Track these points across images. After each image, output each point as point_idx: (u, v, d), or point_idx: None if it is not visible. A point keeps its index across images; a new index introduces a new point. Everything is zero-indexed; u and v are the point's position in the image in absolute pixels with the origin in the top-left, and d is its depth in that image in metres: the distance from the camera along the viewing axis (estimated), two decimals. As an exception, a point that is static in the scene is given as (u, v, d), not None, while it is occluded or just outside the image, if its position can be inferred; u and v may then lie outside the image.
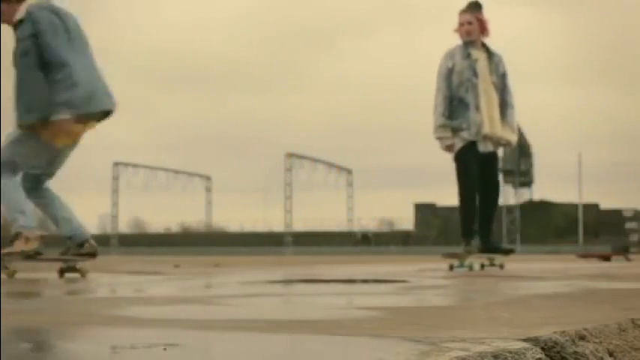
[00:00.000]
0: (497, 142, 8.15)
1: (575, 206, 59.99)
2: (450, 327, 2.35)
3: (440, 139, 8.07)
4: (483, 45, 8.17)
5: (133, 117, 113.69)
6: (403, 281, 5.53)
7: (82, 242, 6.44)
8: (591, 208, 60.80)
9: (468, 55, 8.03)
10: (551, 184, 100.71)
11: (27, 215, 6.25)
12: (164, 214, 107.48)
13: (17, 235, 6.24)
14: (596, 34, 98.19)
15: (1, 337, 2.14)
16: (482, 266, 7.98)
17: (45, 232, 6.74)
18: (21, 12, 6.10)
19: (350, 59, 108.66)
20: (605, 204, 62.59)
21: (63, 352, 1.96)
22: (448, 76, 8.03)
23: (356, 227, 67.19)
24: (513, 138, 8.29)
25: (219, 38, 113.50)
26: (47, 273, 6.83)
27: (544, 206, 63.17)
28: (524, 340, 1.96)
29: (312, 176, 64.79)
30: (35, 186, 6.46)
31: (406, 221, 66.68)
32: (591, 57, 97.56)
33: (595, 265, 10.79)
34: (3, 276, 6.27)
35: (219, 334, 2.26)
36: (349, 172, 68.99)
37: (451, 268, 7.87)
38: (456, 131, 7.98)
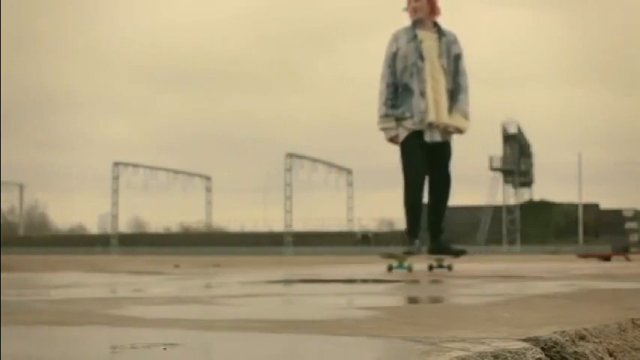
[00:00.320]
0: (445, 130, 7.42)
1: (575, 206, 60.01)
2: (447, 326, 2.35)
3: (384, 130, 7.48)
4: (436, 25, 7.53)
5: (133, 117, 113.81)
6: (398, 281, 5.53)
7: None
8: (591, 208, 60.80)
9: (415, 37, 7.42)
10: (551, 184, 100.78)
11: None
12: (164, 214, 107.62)
13: None
14: (596, 35, 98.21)
15: (1, 336, 2.14)
16: (431, 267, 7.56)
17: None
18: None
19: (350, 59, 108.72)
20: (605, 204, 62.67)
21: (63, 352, 1.96)
22: (392, 61, 7.44)
23: (356, 227, 67.25)
24: (464, 124, 7.52)
25: (219, 38, 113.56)
26: None
27: (544, 206, 63.15)
28: (524, 340, 1.96)
29: (312, 176, 64.85)
30: None
31: (406, 221, 66.50)
32: (591, 57, 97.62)
33: (595, 265, 10.78)
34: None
35: (219, 334, 2.26)
36: (349, 172, 69.02)
37: (390, 269, 7.36)
38: (399, 120, 7.39)
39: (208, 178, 73.62)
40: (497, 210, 61.28)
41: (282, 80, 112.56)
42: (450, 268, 7.49)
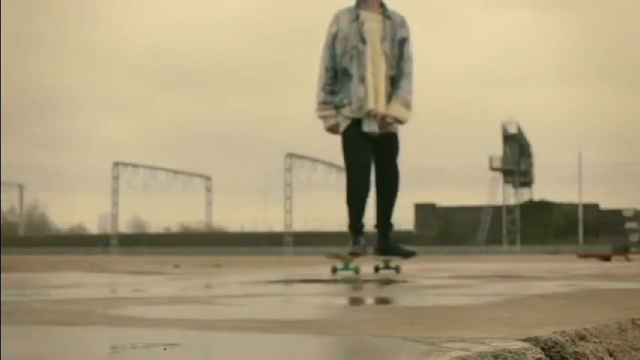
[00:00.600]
0: (383, 120, 6.79)
1: (575, 206, 60.02)
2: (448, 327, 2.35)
3: (322, 118, 6.92)
4: (382, 6, 6.92)
5: (133, 117, 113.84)
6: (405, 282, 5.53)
7: None
8: (591, 208, 60.82)
9: (357, 18, 6.83)
10: (551, 184, 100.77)
11: None
12: (164, 214, 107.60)
13: None
14: (596, 35, 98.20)
15: (1, 336, 2.14)
16: (377, 269, 7.04)
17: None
18: None
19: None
20: (605, 204, 62.69)
21: (63, 352, 1.96)
22: (332, 43, 6.87)
23: (356, 227, 67.09)
24: (404, 114, 6.85)
25: (219, 38, 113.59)
26: None
27: (544, 206, 63.17)
28: (524, 340, 1.96)
29: (312, 176, 64.81)
30: None
31: (406, 221, 66.72)
32: (591, 57, 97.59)
33: (595, 265, 10.78)
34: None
35: (219, 334, 2.26)
36: (349, 172, 68.91)
37: (334, 270, 6.76)
38: (338, 108, 6.81)
39: (208, 178, 73.65)
40: (497, 210, 61.31)
41: (282, 80, 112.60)
42: (397, 269, 7.00)
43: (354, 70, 6.74)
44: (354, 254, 6.81)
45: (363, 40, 6.76)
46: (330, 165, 66.93)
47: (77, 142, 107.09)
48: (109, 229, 69.91)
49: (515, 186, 62.55)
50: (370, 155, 6.83)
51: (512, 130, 61.97)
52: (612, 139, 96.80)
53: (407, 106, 6.83)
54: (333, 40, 6.87)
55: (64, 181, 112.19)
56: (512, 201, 62.63)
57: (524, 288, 4.70)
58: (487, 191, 63.36)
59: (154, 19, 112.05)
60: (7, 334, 2.24)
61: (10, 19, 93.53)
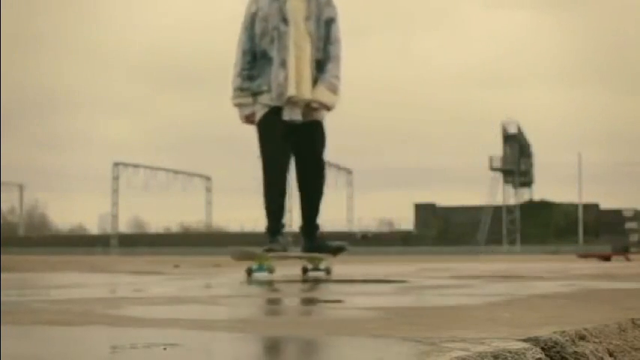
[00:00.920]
0: (308, 107, 6.25)
1: (575, 206, 60.01)
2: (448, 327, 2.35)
3: (238, 106, 6.38)
4: None
5: (133, 117, 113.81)
6: (403, 281, 5.53)
7: None
8: (591, 208, 60.82)
9: None
10: (551, 184, 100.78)
11: None
12: (164, 214, 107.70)
13: None
14: (596, 35, 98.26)
15: (1, 336, 2.14)
16: (305, 270, 6.47)
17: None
18: None
19: (349, 60, 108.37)
20: (605, 204, 62.71)
21: (63, 352, 1.96)
22: (251, 23, 6.36)
23: (356, 227, 67.21)
24: (331, 100, 6.31)
25: (219, 38, 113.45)
26: None
27: (544, 206, 63.18)
28: (524, 340, 1.96)
29: (312, 176, 64.73)
30: None
31: (406, 221, 66.72)
32: (591, 58, 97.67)
33: (595, 265, 10.78)
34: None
35: (219, 334, 2.26)
36: (349, 172, 69.03)
37: (249, 272, 6.19)
38: (256, 95, 6.29)
39: (208, 178, 73.66)
40: (497, 210, 61.31)
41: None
42: (328, 271, 6.49)
43: (274, 53, 6.22)
44: (269, 251, 6.23)
45: (285, 20, 6.24)
46: (330, 165, 66.99)
47: (77, 142, 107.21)
48: (109, 229, 69.94)
49: (515, 186, 62.56)
50: (288, 147, 6.30)
51: (512, 130, 61.99)
52: (612, 139, 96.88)
53: (334, 90, 6.32)
54: (251, 20, 6.37)
55: (64, 181, 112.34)
56: (512, 201, 62.67)
57: (524, 288, 4.70)
58: (487, 191, 63.42)
59: (153, 19, 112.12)
60: (7, 334, 2.24)
61: (10, 19, 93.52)
